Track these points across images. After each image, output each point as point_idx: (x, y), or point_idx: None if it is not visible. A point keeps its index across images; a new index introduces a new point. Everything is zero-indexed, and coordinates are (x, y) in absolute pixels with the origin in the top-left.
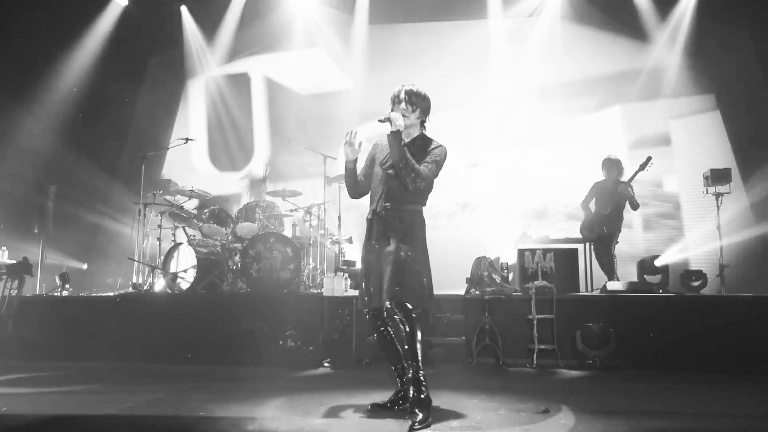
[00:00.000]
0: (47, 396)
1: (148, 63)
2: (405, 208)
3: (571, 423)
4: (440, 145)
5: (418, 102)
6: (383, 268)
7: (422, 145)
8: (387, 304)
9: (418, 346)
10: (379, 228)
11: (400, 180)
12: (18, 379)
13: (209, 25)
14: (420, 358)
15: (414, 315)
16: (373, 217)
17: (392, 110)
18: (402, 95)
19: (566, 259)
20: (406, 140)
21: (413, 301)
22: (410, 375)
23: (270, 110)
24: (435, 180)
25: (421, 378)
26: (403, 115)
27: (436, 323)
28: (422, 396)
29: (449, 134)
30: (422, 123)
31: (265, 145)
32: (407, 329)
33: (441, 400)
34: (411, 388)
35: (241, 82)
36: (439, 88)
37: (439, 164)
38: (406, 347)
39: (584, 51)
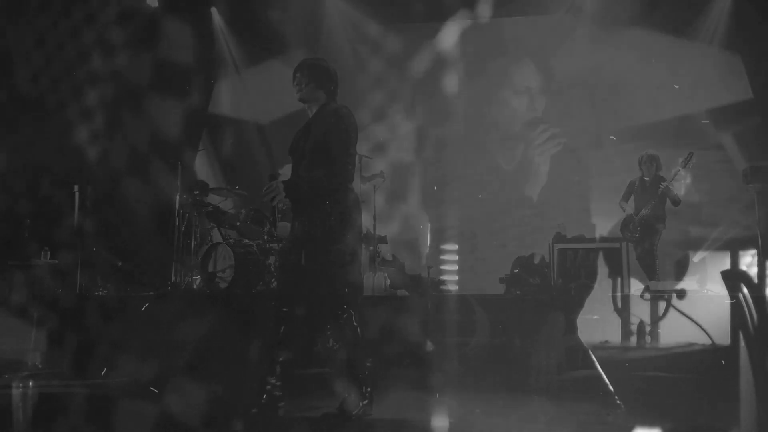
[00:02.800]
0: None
1: (179, 63)
2: None
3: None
4: (336, 119)
5: (306, 75)
6: None
7: (319, 119)
8: None
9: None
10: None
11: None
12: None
13: (241, 26)
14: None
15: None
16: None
17: None
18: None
19: (609, 258)
20: (310, 115)
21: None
22: None
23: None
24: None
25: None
26: (297, 92)
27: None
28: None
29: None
30: (328, 94)
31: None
32: None
33: (502, 400)
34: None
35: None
36: (481, 85)
37: (345, 142)
38: None
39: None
